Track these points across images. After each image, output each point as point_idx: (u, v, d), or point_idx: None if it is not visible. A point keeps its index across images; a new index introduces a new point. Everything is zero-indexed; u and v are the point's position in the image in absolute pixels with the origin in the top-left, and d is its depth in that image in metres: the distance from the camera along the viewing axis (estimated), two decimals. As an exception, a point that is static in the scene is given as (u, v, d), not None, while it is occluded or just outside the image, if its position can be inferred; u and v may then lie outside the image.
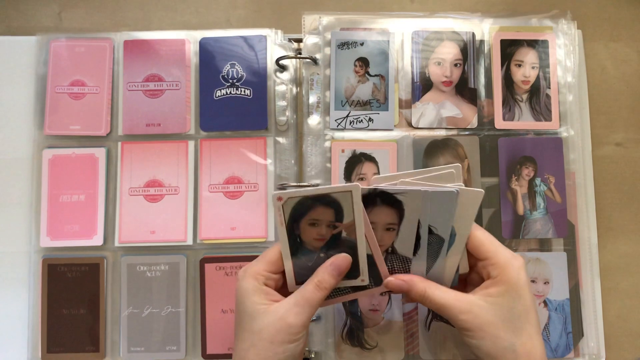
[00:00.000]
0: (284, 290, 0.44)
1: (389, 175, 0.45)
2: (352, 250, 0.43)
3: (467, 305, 0.41)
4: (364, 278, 0.44)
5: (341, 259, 0.43)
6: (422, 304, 0.43)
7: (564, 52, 0.58)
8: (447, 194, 0.42)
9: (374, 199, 0.43)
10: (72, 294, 0.55)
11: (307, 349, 0.54)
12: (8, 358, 0.55)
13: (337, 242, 0.43)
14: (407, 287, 0.43)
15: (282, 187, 0.55)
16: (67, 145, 0.57)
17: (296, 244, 0.43)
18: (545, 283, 0.55)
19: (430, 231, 0.44)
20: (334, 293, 0.45)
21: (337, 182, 0.55)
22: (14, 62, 0.59)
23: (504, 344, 0.40)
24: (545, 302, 0.54)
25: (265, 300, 0.41)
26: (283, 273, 0.44)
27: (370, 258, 0.44)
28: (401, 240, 0.44)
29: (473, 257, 0.44)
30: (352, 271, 0.44)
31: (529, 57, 0.58)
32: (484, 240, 0.43)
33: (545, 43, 0.58)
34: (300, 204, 0.42)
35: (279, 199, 0.42)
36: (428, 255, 0.44)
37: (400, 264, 0.45)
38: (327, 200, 0.42)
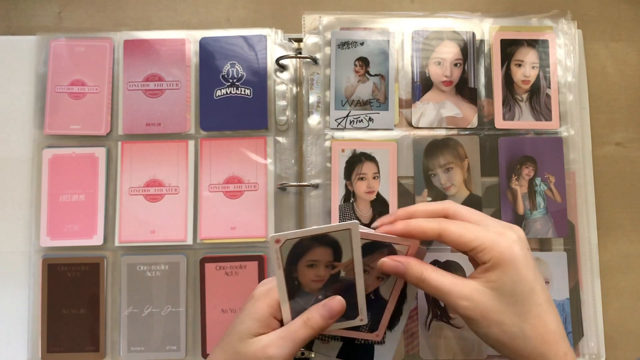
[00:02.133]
0: None
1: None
2: (351, 289, 0.42)
3: (467, 291, 0.39)
4: (362, 317, 0.43)
5: (335, 302, 0.41)
6: (420, 288, 0.41)
7: (564, 51, 0.58)
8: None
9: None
10: (72, 293, 0.55)
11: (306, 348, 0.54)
12: (8, 358, 0.55)
13: (336, 283, 0.42)
14: (404, 268, 0.41)
15: (283, 187, 0.55)
16: (67, 145, 0.57)
17: (294, 287, 0.42)
18: (545, 283, 0.55)
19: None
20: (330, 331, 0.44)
21: (338, 182, 0.55)
22: (14, 62, 0.59)
23: (512, 329, 0.38)
24: (545, 302, 0.54)
25: (261, 330, 0.41)
26: None
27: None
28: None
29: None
30: (350, 310, 0.42)
31: (529, 56, 0.58)
32: (461, 231, 0.40)
33: (545, 43, 0.58)
34: (298, 245, 0.41)
35: (277, 241, 0.40)
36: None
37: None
38: (326, 240, 0.41)
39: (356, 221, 0.41)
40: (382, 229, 0.43)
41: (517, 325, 0.38)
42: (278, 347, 0.39)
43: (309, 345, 0.45)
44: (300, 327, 0.40)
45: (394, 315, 0.44)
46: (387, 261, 0.42)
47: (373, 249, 0.43)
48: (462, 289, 0.39)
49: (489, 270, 0.39)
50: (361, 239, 0.42)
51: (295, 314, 0.42)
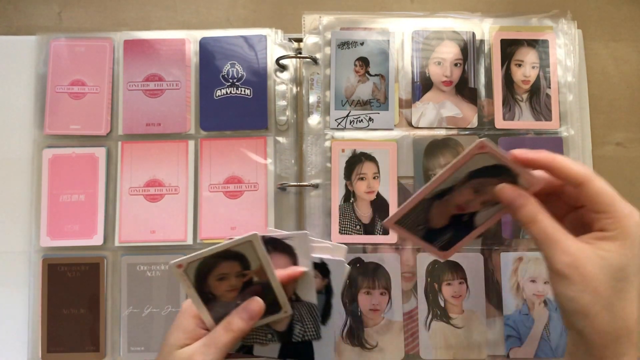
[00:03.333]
0: None
1: None
2: (267, 289, 0.42)
3: (575, 249, 0.36)
4: (286, 310, 0.43)
5: (254, 304, 0.42)
6: (525, 228, 0.38)
7: (564, 51, 0.58)
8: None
9: (267, 247, 0.42)
10: (72, 294, 0.55)
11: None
12: (8, 358, 0.55)
13: (251, 286, 0.42)
14: (522, 202, 0.38)
15: (283, 187, 0.55)
16: (67, 145, 0.57)
17: (210, 300, 0.42)
18: (545, 283, 0.55)
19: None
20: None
21: (338, 182, 0.55)
22: (14, 62, 0.59)
23: (602, 302, 0.36)
24: (545, 302, 0.54)
25: (188, 341, 0.41)
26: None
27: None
28: (302, 287, 0.44)
29: (587, 210, 0.39)
30: (272, 306, 0.43)
31: (529, 56, 0.58)
32: (603, 190, 0.38)
33: (545, 43, 0.58)
34: (202, 264, 0.41)
35: (179, 266, 0.41)
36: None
37: (307, 311, 0.44)
38: (229, 255, 0.41)
39: (256, 232, 0.40)
40: (521, 152, 0.39)
41: (609, 300, 0.36)
42: (202, 354, 0.40)
43: (249, 350, 0.45)
44: (222, 333, 0.41)
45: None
46: (507, 187, 0.39)
47: (496, 173, 0.39)
48: (570, 245, 0.37)
49: (606, 239, 0.37)
50: (493, 157, 0.38)
51: (218, 321, 0.42)
